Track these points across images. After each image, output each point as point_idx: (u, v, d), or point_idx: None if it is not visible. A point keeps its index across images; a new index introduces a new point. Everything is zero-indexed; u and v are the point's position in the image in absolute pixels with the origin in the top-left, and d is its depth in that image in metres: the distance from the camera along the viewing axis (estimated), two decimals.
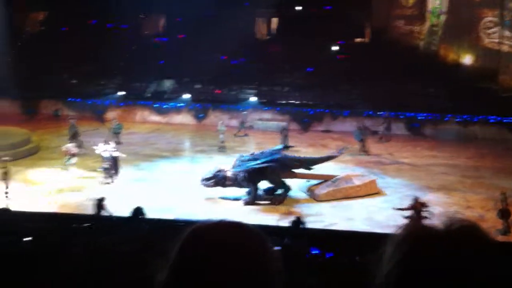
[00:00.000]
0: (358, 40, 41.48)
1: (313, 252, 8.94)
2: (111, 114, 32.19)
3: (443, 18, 37.06)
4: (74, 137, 24.51)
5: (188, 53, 36.11)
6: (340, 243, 10.23)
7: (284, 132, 25.87)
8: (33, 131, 27.44)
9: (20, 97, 34.50)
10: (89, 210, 16.32)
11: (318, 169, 20.19)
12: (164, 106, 34.93)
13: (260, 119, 33.41)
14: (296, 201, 19.00)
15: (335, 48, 38.63)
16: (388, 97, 32.31)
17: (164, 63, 36.90)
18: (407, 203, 18.34)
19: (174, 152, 25.71)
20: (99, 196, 15.12)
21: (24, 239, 7.53)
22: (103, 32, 39.24)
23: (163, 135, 30.26)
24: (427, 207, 15.63)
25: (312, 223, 15.15)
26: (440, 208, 17.96)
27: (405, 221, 15.81)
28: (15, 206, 16.10)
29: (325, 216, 17.33)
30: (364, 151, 26.00)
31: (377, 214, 17.60)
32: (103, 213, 14.44)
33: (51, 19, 42.46)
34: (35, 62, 34.91)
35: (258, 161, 18.62)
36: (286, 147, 20.70)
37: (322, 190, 19.13)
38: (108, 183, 19.29)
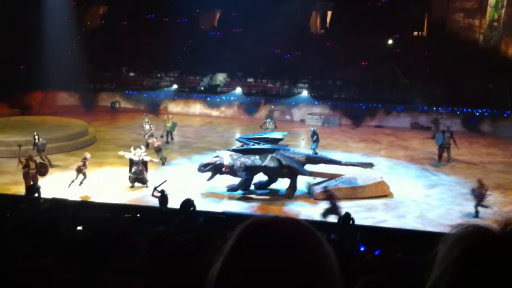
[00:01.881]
0: (415, 34, 40.66)
1: (361, 248, 8.88)
2: (166, 111, 32.32)
3: (504, 11, 35.80)
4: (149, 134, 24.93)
5: (242, 47, 36.35)
6: (389, 241, 10.10)
7: (314, 137, 24.16)
8: (90, 122, 28.33)
9: (79, 89, 35.73)
10: (143, 201, 16.77)
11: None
12: (217, 99, 35.32)
13: (311, 114, 33.29)
14: (296, 199, 18.26)
15: (391, 42, 37.95)
16: (444, 92, 31.56)
17: (218, 57, 37.29)
18: (460, 201, 17.95)
19: (226, 145, 25.94)
20: (160, 189, 15.41)
21: (78, 228, 7.81)
22: (160, 27, 40.01)
23: (215, 128, 30.65)
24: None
25: (362, 219, 15.04)
26: (495, 208, 17.43)
27: (459, 220, 15.47)
28: (71, 196, 16.75)
29: (376, 213, 17.12)
30: (441, 156, 23.44)
31: (429, 212, 17.24)
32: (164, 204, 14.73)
33: (110, 13, 43.64)
34: (94, 56, 35.99)
35: (259, 146, 18.44)
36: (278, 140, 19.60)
37: (320, 189, 18.10)
38: (133, 186, 19.00)
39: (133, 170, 18.96)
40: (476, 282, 1.15)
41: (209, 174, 18.51)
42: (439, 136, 23.79)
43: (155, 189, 15.68)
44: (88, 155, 19.13)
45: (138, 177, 18.95)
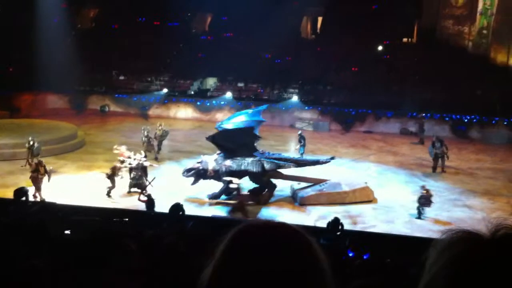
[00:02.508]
0: (405, 40, 40.91)
1: (350, 253, 8.88)
2: (157, 120, 31.04)
3: (493, 19, 36.13)
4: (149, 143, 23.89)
5: (233, 51, 36.38)
6: (377, 246, 10.12)
7: (301, 142, 24.00)
8: (79, 126, 28.19)
9: (69, 92, 35.56)
10: (132, 205, 16.68)
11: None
12: (207, 104, 35.28)
13: (301, 119, 33.37)
14: (281, 203, 18.33)
15: (381, 48, 38.17)
16: (433, 98, 31.78)
17: (209, 61, 37.27)
18: (448, 207, 18.05)
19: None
20: (147, 193, 15.38)
21: (65, 232, 7.75)
22: (151, 30, 39.96)
23: (205, 132, 30.46)
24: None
25: (351, 225, 15.08)
26: (483, 213, 17.56)
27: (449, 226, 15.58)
28: (60, 199, 16.63)
29: (365, 218, 17.17)
30: (435, 167, 22.89)
31: (418, 217, 17.30)
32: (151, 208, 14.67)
33: (101, 16, 43.50)
34: (85, 59, 35.85)
35: (237, 123, 18.63)
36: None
37: (305, 194, 18.24)
38: (129, 192, 18.67)
39: (132, 175, 18.74)
40: (467, 287, 1.15)
41: (193, 178, 18.48)
42: (430, 148, 23.38)
43: (141, 192, 15.61)
44: (118, 164, 18.81)
45: (137, 182, 18.72)
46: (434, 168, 22.95)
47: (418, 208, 17.11)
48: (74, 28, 41.93)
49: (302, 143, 23.96)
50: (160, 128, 25.07)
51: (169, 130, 25.58)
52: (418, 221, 16.96)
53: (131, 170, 18.85)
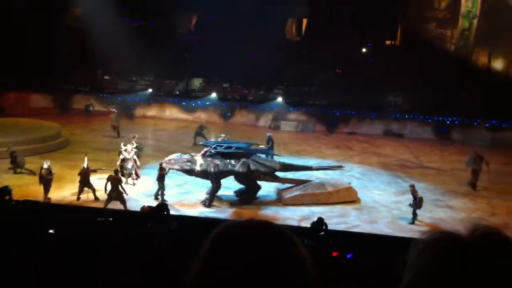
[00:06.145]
0: (388, 42, 41.25)
1: (334, 253, 8.99)
2: (142, 120, 30.08)
3: (476, 21, 36.56)
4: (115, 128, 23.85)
5: (218, 52, 36.38)
6: (361, 246, 10.25)
7: (269, 143, 23.38)
8: (64, 125, 27.98)
9: (53, 91, 35.26)
10: (115, 205, 16.64)
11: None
12: (192, 104, 35.26)
13: (285, 120, 33.49)
14: (266, 203, 18.35)
15: (364, 50, 38.44)
16: (416, 100, 32.10)
17: (194, 62, 37.19)
18: (430, 207, 18.29)
19: (200, 149, 25.87)
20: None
21: (49, 231, 7.75)
22: (135, 30, 39.73)
23: (190, 132, 30.49)
24: None
25: (334, 225, 15.20)
26: (464, 214, 17.82)
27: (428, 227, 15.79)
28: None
29: (348, 218, 17.32)
30: (473, 183, 21.43)
31: (401, 218, 17.51)
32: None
33: (86, 15, 43.12)
34: (69, 58, 35.58)
35: (233, 147, 18.49)
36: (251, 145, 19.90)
37: (288, 194, 18.48)
38: (129, 183, 18.89)
39: (125, 166, 19.11)
40: (447, 286, 1.18)
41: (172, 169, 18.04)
42: (471, 160, 21.89)
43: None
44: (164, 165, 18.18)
45: (130, 172, 19.03)
46: (473, 183, 21.54)
47: (414, 213, 16.86)
48: (58, 27, 41.48)
49: (269, 145, 23.23)
50: (132, 140, 21.41)
51: (141, 147, 22.27)
52: (400, 221, 17.15)
53: (124, 161, 19.15)
